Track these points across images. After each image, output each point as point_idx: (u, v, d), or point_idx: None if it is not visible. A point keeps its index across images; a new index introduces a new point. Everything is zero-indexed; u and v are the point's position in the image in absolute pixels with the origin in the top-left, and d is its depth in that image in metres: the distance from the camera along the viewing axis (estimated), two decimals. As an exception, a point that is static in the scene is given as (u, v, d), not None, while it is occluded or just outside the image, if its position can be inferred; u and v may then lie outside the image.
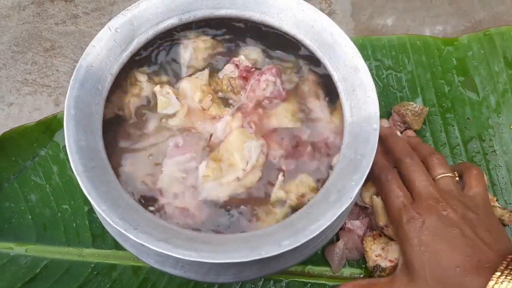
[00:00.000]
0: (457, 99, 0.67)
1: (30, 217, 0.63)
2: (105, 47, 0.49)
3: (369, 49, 0.69)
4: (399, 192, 0.51)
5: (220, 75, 0.53)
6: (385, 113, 0.67)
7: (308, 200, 0.46)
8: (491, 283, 0.43)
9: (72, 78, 0.47)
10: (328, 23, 0.50)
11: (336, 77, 0.50)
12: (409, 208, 0.49)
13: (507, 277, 0.42)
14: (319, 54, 0.51)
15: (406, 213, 0.49)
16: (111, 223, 0.41)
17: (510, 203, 0.62)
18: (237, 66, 0.53)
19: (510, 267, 0.43)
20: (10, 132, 0.65)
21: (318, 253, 0.60)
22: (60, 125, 0.66)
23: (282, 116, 0.52)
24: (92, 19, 0.77)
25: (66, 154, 0.65)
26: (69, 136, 0.44)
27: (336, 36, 0.50)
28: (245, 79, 0.53)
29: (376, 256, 0.55)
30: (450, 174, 0.52)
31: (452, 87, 0.67)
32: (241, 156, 0.49)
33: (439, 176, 0.52)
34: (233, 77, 0.53)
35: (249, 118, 0.51)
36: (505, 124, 0.65)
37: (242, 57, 0.53)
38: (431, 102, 0.67)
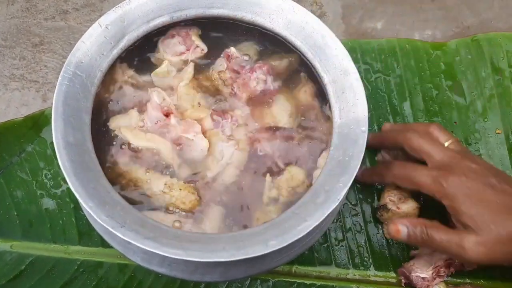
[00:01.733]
0: (444, 103, 0.68)
1: (15, 213, 0.62)
2: (95, 43, 0.49)
3: (358, 52, 0.70)
4: (421, 170, 0.53)
5: (211, 70, 0.54)
6: (373, 116, 0.67)
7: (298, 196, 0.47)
8: None
9: (61, 73, 0.46)
10: (319, 25, 0.51)
11: (326, 79, 0.50)
12: (441, 175, 0.51)
13: None
14: (310, 56, 0.52)
15: (441, 179, 0.51)
16: (98, 220, 0.41)
17: (494, 207, 0.63)
18: (228, 57, 0.53)
19: None
20: (-3, 127, 0.65)
21: (305, 253, 0.60)
22: (48, 121, 0.66)
23: (276, 114, 0.52)
24: (82, 15, 0.77)
25: (53, 151, 0.65)
26: (57, 132, 0.44)
27: (327, 38, 0.50)
28: (236, 72, 0.53)
29: (390, 200, 0.58)
30: (455, 138, 0.56)
31: (440, 91, 0.68)
32: (212, 158, 0.49)
33: (447, 143, 0.55)
34: (223, 71, 0.53)
35: (233, 115, 0.51)
36: (491, 128, 0.66)
37: (233, 49, 0.54)
38: (419, 106, 0.67)
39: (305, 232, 0.41)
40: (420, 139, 0.54)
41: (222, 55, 0.54)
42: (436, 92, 0.68)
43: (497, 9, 0.80)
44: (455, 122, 0.67)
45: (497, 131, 0.66)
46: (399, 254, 0.61)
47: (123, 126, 0.50)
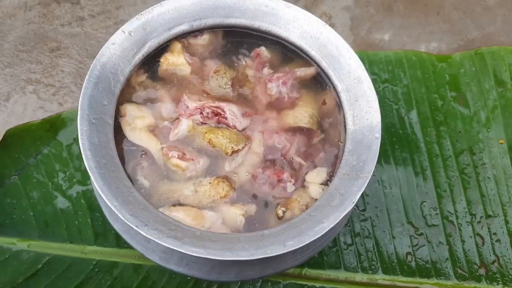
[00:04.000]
0: (449, 113, 0.70)
1: (31, 213, 0.64)
2: (119, 49, 0.51)
3: (366, 63, 0.72)
4: None
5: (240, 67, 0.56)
6: (381, 124, 0.69)
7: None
8: None
9: (86, 78, 0.48)
10: (334, 36, 0.53)
11: (339, 87, 0.52)
12: None
13: None
14: (324, 64, 0.54)
15: None
16: (123, 219, 0.42)
17: (498, 214, 0.65)
18: (258, 55, 0.55)
19: None
20: (15, 129, 0.66)
21: (315, 256, 0.62)
22: (64, 124, 0.67)
23: (296, 116, 0.54)
24: (97, 22, 0.79)
25: (69, 153, 0.67)
26: (82, 134, 0.46)
27: (341, 48, 0.53)
28: (260, 72, 0.55)
29: None
30: None
31: (445, 102, 0.70)
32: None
33: None
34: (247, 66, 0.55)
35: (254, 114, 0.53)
36: (494, 138, 0.69)
37: (263, 48, 0.56)
38: (425, 115, 0.70)
39: (322, 233, 0.43)
40: None
41: (251, 53, 0.56)
42: (442, 102, 0.70)
43: (500, 23, 0.83)
44: (460, 132, 0.69)
45: (500, 141, 0.68)
46: (407, 259, 0.62)
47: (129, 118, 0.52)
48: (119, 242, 0.62)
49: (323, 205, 0.46)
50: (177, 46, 0.55)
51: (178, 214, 0.47)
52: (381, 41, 0.83)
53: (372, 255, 0.63)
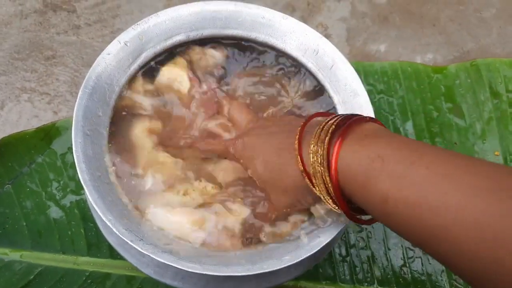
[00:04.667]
0: (445, 124, 0.70)
1: (24, 223, 0.63)
2: (114, 60, 0.51)
3: (362, 73, 0.72)
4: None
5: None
6: (377, 135, 0.69)
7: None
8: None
9: (81, 88, 0.48)
10: (330, 48, 0.53)
11: (335, 99, 0.52)
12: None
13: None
14: (320, 76, 0.54)
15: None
16: (118, 233, 0.42)
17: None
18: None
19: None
20: (8, 137, 0.66)
21: (311, 268, 0.61)
22: (59, 133, 0.67)
23: None
24: (93, 31, 0.79)
25: (63, 162, 0.66)
26: (77, 146, 0.45)
27: (337, 61, 0.53)
28: None
29: None
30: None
31: (441, 113, 0.71)
32: None
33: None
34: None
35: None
36: (489, 150, 0.69)
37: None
38: (421, 126, 0.70)
39: (318, 248, 0.43)
40: None
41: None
42: (437, 113, 0.71)
43: (496, 35, 0.84)
44: (455, 143, 0.69)
45: (496, 153, 0.69)
46: (401, 271, 0.62)
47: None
48: (113, 253, 0.61)
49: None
50: (181, 60, 0.55)
51: (175, 218, 0.46)
52: (377, 52, 0.84)
53: (368, 267, 0.62)
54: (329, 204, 0.40)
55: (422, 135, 0.69)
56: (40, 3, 0.81)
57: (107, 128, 0.49)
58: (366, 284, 0.62)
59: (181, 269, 0.41)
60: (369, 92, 0.72)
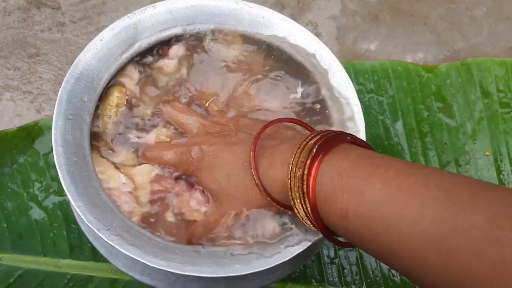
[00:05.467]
0: (435, 124, 0.69)
1: (5, 225, 0.61)
2: (106, 46, 0.49)
3: (352, 72, 0.71)
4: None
5: None
6: (367, 135, 0.68)
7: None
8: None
9: (69, 72, 0.46)
10: (328, 54, 0.52)
11: (329, 106, 0.51)
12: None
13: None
14: (309, 67, 0.53)
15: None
16: (85, 221, 0.40)
17: (483, 227, 0.64)
18: None
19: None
20: (-11, 137, 0.64)
21: (299, 270, 0.60)
22: (42, 133, 0.65)
23: None
24: (78, 28, 0.77)
25: (46, 162, 0.65)
26: (56, 129, 0.44)
27: (333, 68, 0.51)
28: None
29: None
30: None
31: (431, 113, 0.70)
32: None
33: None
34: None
35: None
36: (480, 150, 0.68)
37: None
38: (411, 126, 0.69)
39: (290, 256, 0.41)
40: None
41: None
42: (427, 113, 0.70)
43: (486, 34, 0.83)
44: (446, 143, 0.68)
45: (486, 153, 0.68)
46: (390, 274, 0.61)
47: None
48: (95, 255, 0.60)
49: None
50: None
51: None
52: (367, 51, 0.83)
53: (356, 269, 0.61)
54: (308, 224, 0.39)
55: (412, 135, 0.68)
56: (24, 0, 0.79)
57: (91, 115, 0.48)
58: (354, 286, 0.61)
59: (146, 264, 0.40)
60: (359, 92, 0.71)
